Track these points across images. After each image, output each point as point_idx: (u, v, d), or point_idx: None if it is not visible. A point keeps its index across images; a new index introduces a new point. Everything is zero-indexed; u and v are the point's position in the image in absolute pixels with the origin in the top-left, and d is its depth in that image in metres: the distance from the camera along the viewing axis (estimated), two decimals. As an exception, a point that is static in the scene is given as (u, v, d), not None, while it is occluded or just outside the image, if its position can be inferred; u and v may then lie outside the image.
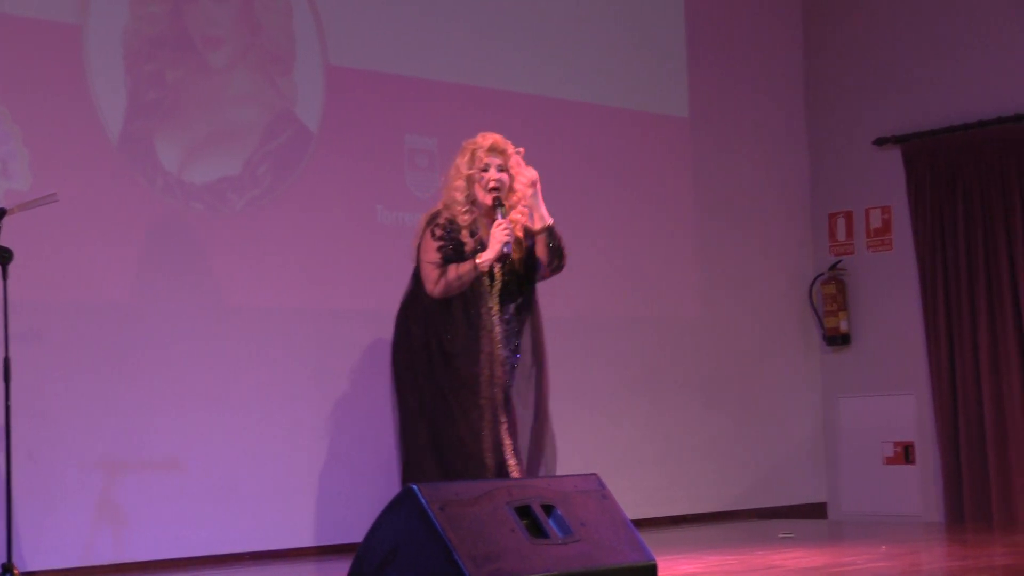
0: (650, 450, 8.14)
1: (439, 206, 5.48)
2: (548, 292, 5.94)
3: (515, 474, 5.17)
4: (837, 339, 8.89)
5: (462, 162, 5.46)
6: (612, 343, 8.00)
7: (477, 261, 5.28)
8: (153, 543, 6.27)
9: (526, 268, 5.49)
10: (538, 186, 5.40)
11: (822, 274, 8.99)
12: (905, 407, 8.64)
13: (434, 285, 5.25)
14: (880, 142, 8.74)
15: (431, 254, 5.29)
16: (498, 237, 5.27)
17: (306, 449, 6.78)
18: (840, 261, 8.95)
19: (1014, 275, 8.10)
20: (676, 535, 7.45)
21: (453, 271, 5.25)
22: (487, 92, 7.65)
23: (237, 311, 6.66)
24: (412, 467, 5.26)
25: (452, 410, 5.24)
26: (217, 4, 6.72)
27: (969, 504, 8.17)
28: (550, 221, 5.43)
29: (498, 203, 5.33)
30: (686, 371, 8.39)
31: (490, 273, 5.34)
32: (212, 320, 6.58)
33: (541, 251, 5.43)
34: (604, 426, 7.90)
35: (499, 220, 5.31)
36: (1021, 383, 8.04)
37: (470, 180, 5.39)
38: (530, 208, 5.39)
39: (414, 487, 3.47)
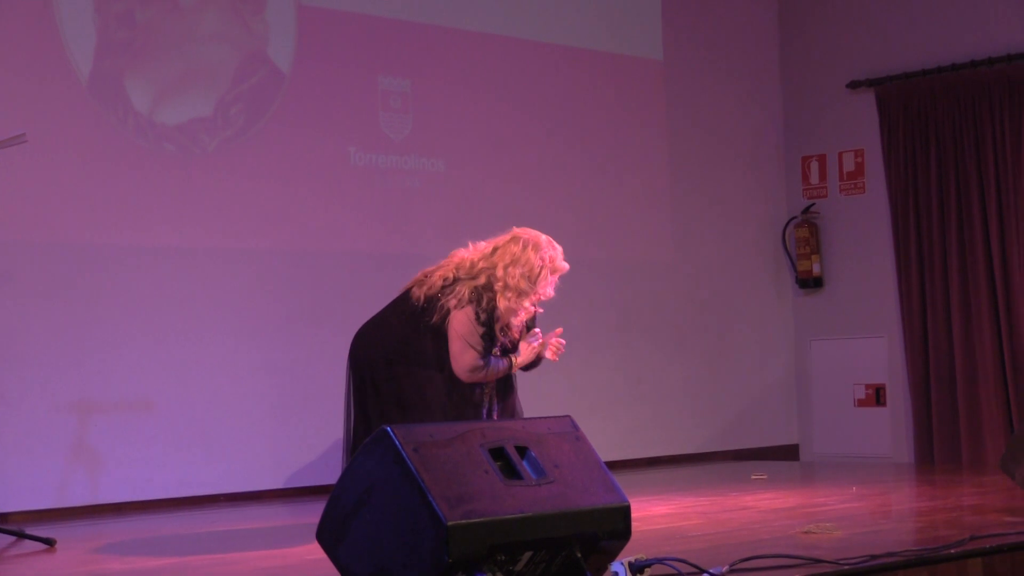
0: (624, 392, 8.17)
1: (481, 279, 5.07)
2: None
3: None
4: (810, 282, 8.92)
5: (536, 273, 5.10)
6: (585, 287, 8.00)
7: (515, 361, 5.19)
8: (127, 485, 6.28)
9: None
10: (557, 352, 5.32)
11: (795, 217, 9.00)
12: (877, 350, 8.70)
13: (468, 372, 5.05)
14: (853, 85, 8.73)
15: (475, 338, 5.03)
16: (535, 348, 5.22)
17: (280, 391, 6.79)
18: (813, 204, 8.96)
19: (985, 218, 8.13)
20: (649, 476, 7.50)
21: (492, 368, 5.10)
22: (461, 33, 7.61)
23: (209, 252, 6.63)
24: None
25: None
26: (187, -57, 6.65)
27: (939, 445, 8.24)
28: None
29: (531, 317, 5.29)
30: (659, 314, 8.41)
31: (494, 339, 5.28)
32: (184, 261, 6.55)
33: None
34: (578, 369, 7.92)
35: (535, 331, 5.24)
36: (991, 326, 8.09)
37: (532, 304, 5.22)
38: (536, 350, 5.28)
39: (388, 429, 3.47)
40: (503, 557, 3.39)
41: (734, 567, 3.71)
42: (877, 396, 8.69)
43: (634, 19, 8.42)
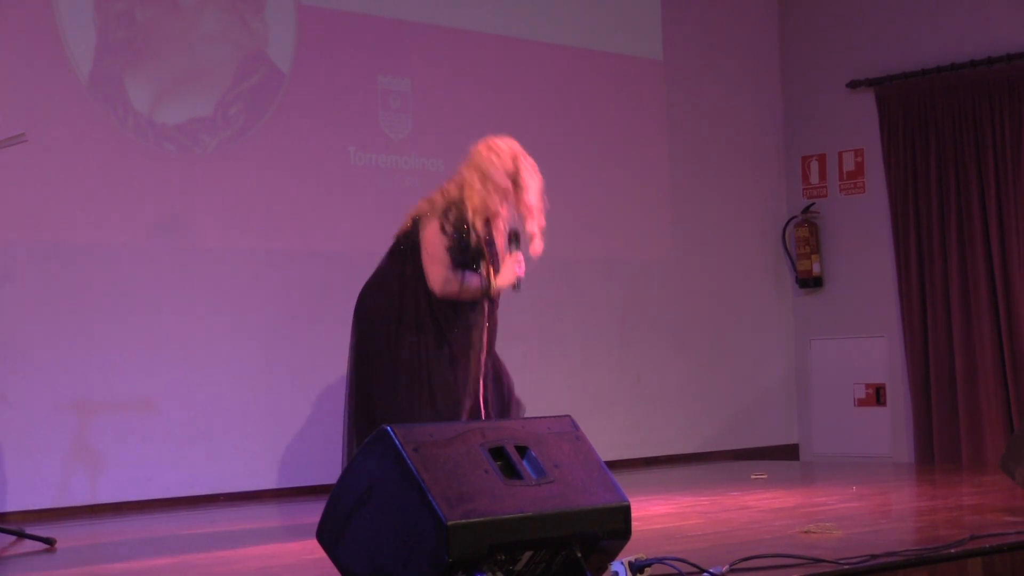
0: (623, 392, 8.17)
1: (454, 192, 5.34)
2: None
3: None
4: (809, 282, 8.92)
5: (489, 164, 5.32)
6: (585, 286, 8.01)
7: (493, 281, 5.29)
8: (127, 485, 6.28)
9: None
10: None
11: (795, 217, 9.00)
12: (876, 349, 8.70)
13: (441, 285, 5.20)
14: (853, 85, 8.73)
15: (440, 250, 5.22)
16: (516, 271, 5.33)
17: (280, 391, 6.78)
18: (813, 204, 8.96)
19: (985, 218, 8.14)
20: (649, 476, 7.50)
21: (467, 283, 5.22)
22: (461, 33, 7.61)
23: (209, 252, 6.63)
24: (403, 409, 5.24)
25: (451, 357, 5.28)
26: (187, -58, 6.65)
27: (938, 445, 8.24)
28: (520, 275, 5.39)
29: (514, 237, 5.33)
30: (659, 313, 8.41)
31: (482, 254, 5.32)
32: (184, 261, 6.55)
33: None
34: (577, 368, 7.92)
35: (515, 253, 5.34)
36: (991, 325, 8.09)
37: (502, 192, 5.30)
38: (517, 275, 5.34)
39: (388, 428, 3.47)
40: (503, 557, 3.39)
41: (734, 567, 3.71)
42: (877, 396, 8.69)
43: (634, 19, 8.42)
